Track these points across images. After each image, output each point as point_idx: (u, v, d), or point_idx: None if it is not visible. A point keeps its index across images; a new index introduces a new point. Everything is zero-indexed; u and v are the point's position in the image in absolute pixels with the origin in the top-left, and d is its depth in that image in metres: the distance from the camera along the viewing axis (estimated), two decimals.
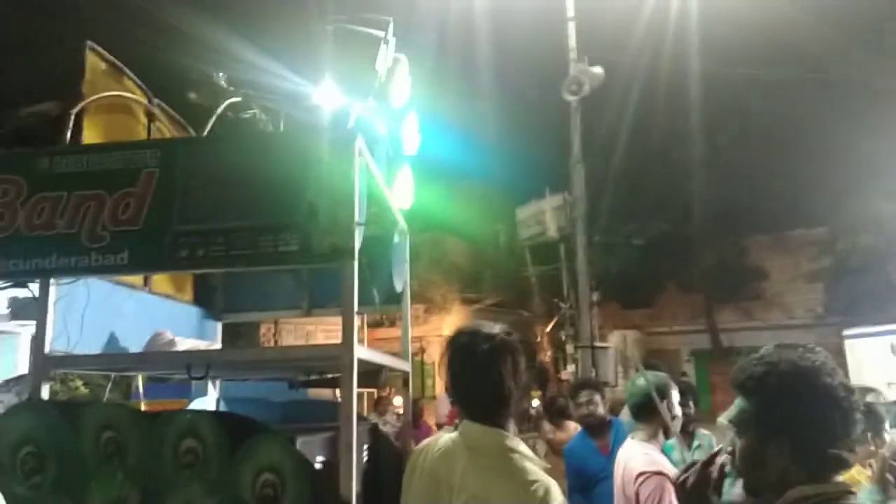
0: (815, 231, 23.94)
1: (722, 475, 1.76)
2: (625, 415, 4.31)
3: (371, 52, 2.95)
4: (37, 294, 2.56)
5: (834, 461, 1.56)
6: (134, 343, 3.13)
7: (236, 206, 2.43)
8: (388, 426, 9.18)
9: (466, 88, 23.21)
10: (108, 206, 2.47)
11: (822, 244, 23.67)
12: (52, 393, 2.61)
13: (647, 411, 3.30)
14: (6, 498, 2.34)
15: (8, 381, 3.67)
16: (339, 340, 2.33)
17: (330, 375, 3.65)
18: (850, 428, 1.57)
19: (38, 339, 2.54)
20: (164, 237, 2.42)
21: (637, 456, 3.19)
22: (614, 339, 19.62)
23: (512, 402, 2.06)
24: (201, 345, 3.44)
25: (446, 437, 2.16)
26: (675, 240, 24.68)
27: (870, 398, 4.28)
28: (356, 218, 2.35)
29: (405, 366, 3.37)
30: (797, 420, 1.57)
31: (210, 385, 3.86)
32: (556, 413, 6.78)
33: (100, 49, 3.02)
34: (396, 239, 3.24)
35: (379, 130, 3.23)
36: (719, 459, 1.75)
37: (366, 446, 2.89)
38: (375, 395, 11.63)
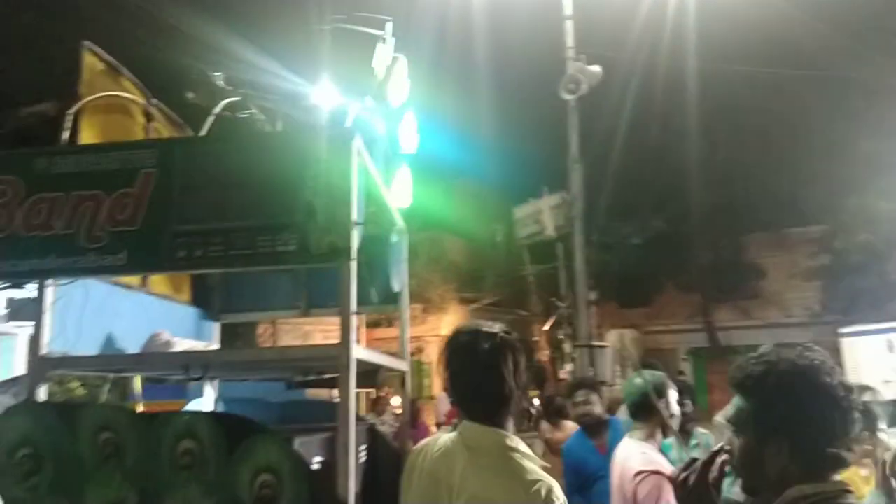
0: (813, 229, 23.93)
1: (722, 474, 1.76)
2: (622, 414, 4.32)
3: (369, 52, 2.95)
4: (34, 295, 2.56)
5: (833, 460, 1.57)
6: (131, 344, 3.12)
7: (234, 206, 2.42)
8: (386, 426, 9.17)
9: (464, 87, 23.18)
10: (105, 206, 2.46)
11: (820, 242, 23.66)
12: (50, 394, 2.60)
13: (644, 410, 3.30)
14: (3, 499, 2.34)
15: (5, 383, 3.68)
16: (337, 340, 2.33)
17: (328, 375, 3.65)
18: (849, 427, 1.57)
19: (35, 340, 2.54)
20: (162, 237, 2.42)
21: (635, 455, 3.20)
22: (612, 338, 19.63)
23: (513, 402, 2.06)
24: (199, 345, 3.43)
25: (445, 437, 2.15)
26: (672, 238, 24.68)
27: (866, 397, 4.29)
28: (354, 217, 2.34)
29: (403, 366, 3.37)
30: (796, 419, 1.57)
31: (208, 386, 3.86)
32: (553, 412, 6.79)
33: (97, 49, 3.01)
34: (394, 238, 3.24)
35: (377, 130, 3.23)
36: (719, 459, 1.76)
37: (364, 446, 2.89)
38: (373, 396, 11.62)
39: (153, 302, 3.53)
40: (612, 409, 5.56)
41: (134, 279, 3.33)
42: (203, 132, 3.22)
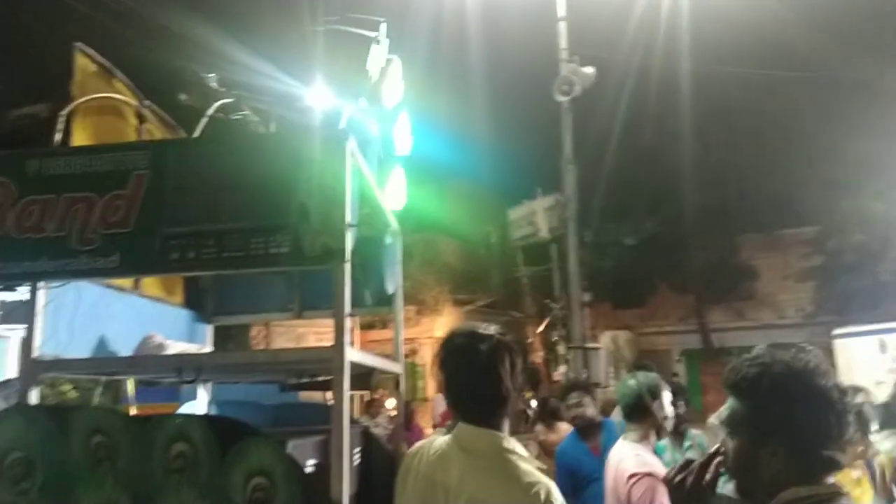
0: (807, 230, 24.03)
1: (717, 475, 1.76)
2: (616, 415, 4.32)
3: (363, 54, 2.94)
4: (26, 297, 2.55)
5: (827, 463, 1.57)
6: (124, 346, 3.11)
7: (227, 207, 2.41)
8: (380, 428, 9.16)
9: (458, 89, 23.21)
10: (97, 208, 2.45)
11: (814, 243, 23.75)
12: (42, 397, 2.59)
13: (638, 412, 3.30)
14: None
15: None
16: (330, 343, 2.32)
17: (321, 378, 3.64)
18: (843, 429, 1.57)
19: (27, 343, 2.52)
20: (155, 239, 2.40)
21: (629, 457, 3.20)
22: (605, 339, 19.67)
23: (509, 404, 2.05)
24: (192, 348, 3.42)
25: (440, 439, 2.15)
26: (666, 240, 24.74)
27: (859, 398, 4.30)
28: (348, 219, 2.34)
29: (397, 368, 3.37)
30: (791, 422, 1.58)
31: (201, 388, 3.84)
32: (548, 414, 6.78)
33: (89, 50, 3.00)
34: (388, 240, 3.23)
35: (371, 131, 3.22)
36: (715, 460, 1.75)
37: (357, 449, 2.89)
38: (367, 398, 11.61)
39: (146, 304, 3.52)
40: (605, 410, 5.57)
41: (126, 281, 3.32)
42: (196, 134, 3.20)
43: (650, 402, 3.16)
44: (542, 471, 1.99)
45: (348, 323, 2.37)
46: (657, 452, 3.44)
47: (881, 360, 14.14)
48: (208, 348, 3.93)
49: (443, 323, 22.01)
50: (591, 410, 4.70)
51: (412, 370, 21.88)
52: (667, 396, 3.46)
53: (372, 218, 3.17)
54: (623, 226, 24.78)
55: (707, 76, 21.05)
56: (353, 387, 2.50)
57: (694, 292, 26.05)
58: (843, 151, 19.88)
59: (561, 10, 14.86)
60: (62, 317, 2.67)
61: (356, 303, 2.61)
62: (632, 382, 3.32)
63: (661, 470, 2.99)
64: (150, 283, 3.56)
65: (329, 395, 2.97)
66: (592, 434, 4.65)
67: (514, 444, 2.03)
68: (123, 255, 2.42)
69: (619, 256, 24.85)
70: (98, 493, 2.25)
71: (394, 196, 3.50)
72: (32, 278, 2.50)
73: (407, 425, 8.45)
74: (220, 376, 3.81)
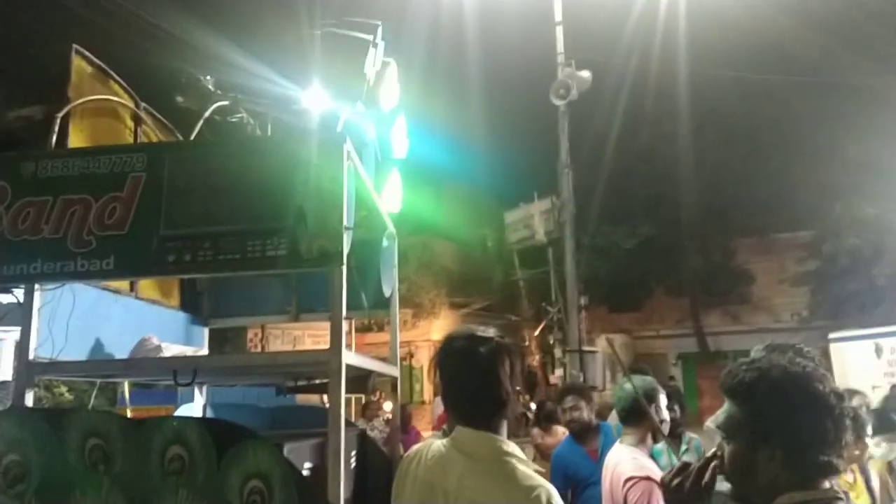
0: (802, 234, 24.11)
1: (713, 478, 1.76)
2: (613, 419, 4.32)
3: (359, 56, 2.94)
4: (21, 300, 2.54)
5: (824, 467, 1.57)
6: (120, 349, 3.10)
7: (224, 210, 2.41)
8: (377, 431, 9.15)
9: (455, 92, 23.25)
10: (93, 210, 2.44)
11: (809, 247, 23.83)
12: (37, 399, 2.58)
13: (635, 415, 3.30)
14: None
15: None
16: (327, 346, 2.32)
17: (318, 381, 3.64)
18: (841, 434, 1.57)
19: (22, 346, 2.52)
20: (151, 242, 2.40)
21: (625, 460, 3.20)
22: (602, 343, 19.70)
23: (509, 407, 2.05)
24: (188, 350, 3.42)
25: (438, 442, 2.14)
26: (662, 243, 24.81)
27: (855, 401, 4.32)
28: (345, 222, 2.33)
29: (394, 371, 3.36)
30: (788, 426, 1.57)
31: (197, 391, 3.84)
32: (544, 418, 6.79)
33: (86, 52, 2.99)
34: (385, 243, 3.23)
35: (368, 134, 3.22)
36: (712, 464, 1.75)
37: (354, 452, 2.88)
38: (363, 401, 11.60)
39: (142, 307, 3.51)
40: (602, 414, 5.57)
41: (122, 284, 3.31)
42: (193, 136, 3.20)
43: (646, 405, 3.16)
44: (541, 474, 1.99)
45: (345, 326, 2.36)
46: (654, 456, 3.44)
47: (876, 364, 14.18)
48: (204, 351, 3.92)
49: (439, 326, 22.03)
50: (586, 414, 4.70)
51: (409, 373, 21.88)
52: (663, 400, 3.47)
53: (369, 221, 3.16)
54: (619, 229, 24.85)
55: (703, 80, 21.14)
56: (350, 390, 2.50)
57: (690, 296, 26.12)
58: (838, 155, 19.96)
59: (558, 15, 14.90)
60: (58, 319, 2.66)
61: (352, 306, 2.60)
62: (628, 386, 3.32)
63: (658, 473, 2.99)
64: (146, 285, 3.56)
65: (325, 397, 2.96)
66: (589, 438, 4.65)
67: (513, 447, 2.03)
68: (119, 257, 2.41)
69: (615, 260, 24.90)
70: (94, 496, 2.24)
71: (390, 199, 3.50)
72: (28, 280, 2.49)
73: (404, 428, 8.44)
74: (217, 379, 3.81)
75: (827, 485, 1.59)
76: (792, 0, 17.52)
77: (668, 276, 26.02)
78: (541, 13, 15.29)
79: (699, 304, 26.09)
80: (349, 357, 2.37)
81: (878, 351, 14.30)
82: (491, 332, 2.12)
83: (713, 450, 1.77)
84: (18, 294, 2.57)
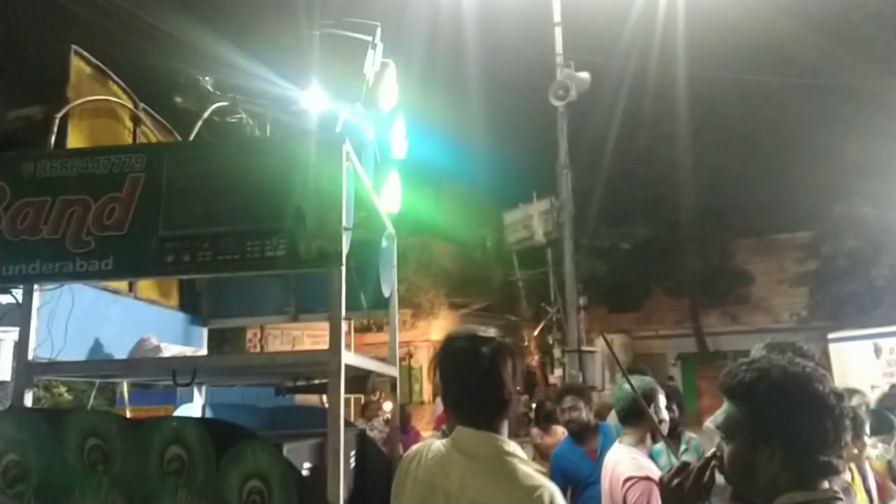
0: (800, 235, 24.14)
1: (713, 479, 1.76)
2: (612, 419, 4.32)
3: (358, 57, 2.94)
4: (20, 300, 2.54)
5: (824, 467, 1.56)
6: (119, 349, 3.10)
7: (223, 210, 2.41)
8: (376, 432, 9.15)
9: (454, 93, 23.25)
10: (92, 211, 2.44)
11: (807, 248, 23.86)
12: (36, 400, 2.58)
13: (634, 416, 3.31)
14: None
15: None
16: (326, 346, 2.32)
17: (317, 381, 3.64)
18: (841, 434, 1.57)
19: (21, 346, 2.52)
20: (150, 242, 2.40)
21: (625, 461, 3.20)
22: (601, 343, 19.71)
23: (511, 406, 2.05)
24: (187, 351, 3.42)
25: (438, 443, 2.14)
26: (661, 244, 24.83)
27: (855, 400, 4.31)
28: (344, 222, 2.34)
29: (393, 371, 3.36)
30: (788, 426, 1.57)
31: (196, 391, 3.84)
32: (543, 418, 6.79)
33: (85, 53, 2.99)
34: (384, 243, 3.23)
35: (367, 135, 3.22)
36: (711, 464, 1.75)
37: (353, 452, 2.88)
38: (363, 401, 11.60)
39: (141, 307, 3.51)
40: (601, 414, 5.57)
41: (122, 284, 3.31)
42: (191, 137, 3.20)
43: (645, 406, 3.16)
44: (541, 474, 1.99)
45: (344, 326, 2.36)
46: (653, 456, 3.44)
47: (876, 364, 14.20)
48: (204, 351, 3.92)
49: (438, 326, 22.03)
50: (584, 415, 4.70)
51: (408, 373, 21.88)
52: (662, 400, 3.47)
53: (368, 221, 3.17)
54: (618, 230, 24.86)
55: (702, 81, 21.16)
56: (349, 390, 2.50)
57: (689, 296, 26.13)
58: (837, 156, 19.98)
59: (557, 16, 14.90)
60: (57, 319, 2.66)
61: (352, 306, 2.60)
62: (627, 386, 3.33)
63: (657, 473, 2.99)
64: (145, 285, 3.56)
65: (325, 397, 2.96)
66: (588, 438, 4.65)
67: (514, 447, 2.02)
68: (118, 257, 2.41)
69: (614, 260, 24.92)
70: (93, 496, 2.24)
71: (389, 199, 3.50)
72: (27, 280, 2.49)
73: (403, 428, 8.44)
74: (216, 379, 3.81)
75: (827, 485, 1.59)
76: (791, 2, 17.54)
77: (667, 276, 26.04)
78: (540, 14, 15.30)
79: (698, 304, 26.10)
80: (348, 357, 2.37)
81: (878, 351, 14.32)
82: (492, 332, 2.12)
83: (712, 450, 1.77)
84: (17, 294, 2.57)
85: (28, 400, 2.50)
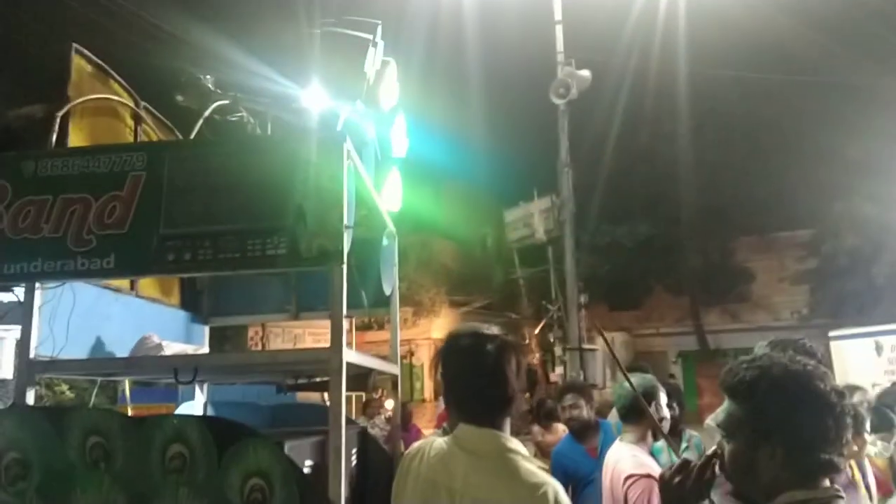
0: (801, 233, 24.13)
1: (712, 477, 1.76)
2: (613, 417, 4.32)
3: (359, 55, 2.94)
4: (22, 298, 2.54)
5: (825, 466, 1.57)
6: (121, 347, 3.10)
7: (224, 209, 2.41)
8: (377, 429, 9.15)
9: (455, 91, 23.25)
10: (94, 209, 2.45)
11: (808, 246, 23.85)
12: (38, 398, 2.58)
13: (634, 413, 3.31)
14: None
15: None
16: (327, 344, 2.32)
17: (318, 379, 3.64)
18: (842, 432, 1.57)
19: (23, 344, 2.52)
20: (151, 241, 2.40)
21: (625, 458, 3.20)
22: (601, 341, 19.72)
23: (515, 404, 2.05)
24: (189, 349, 3.42)
25: (440, 440, 2.14)
26: (662, 242, 24.81)
27: (856, 397, 4.31)
28: (345, 221, 2.34)
29: (394, 369, 3.37)
30: (789, 425, 1.57)
31: (197, 389, 3.84)
32: (544, 415, 6.79)
33: (86, 51, 2.99)
34: (385, 242, 3.23)
35: (367, 133, 3.22)
36: (714, 462, 1.75)
37: (354, 450, 2.88)
38: (364, 399, 11.60)
39: (142, 305, 3.51)
40: (602, 412, 5.57)
41: (123, 282, 3.31)
42: (192, 135, 3.20)
43: (646, 404, 3.16)
44: (544, 471, 1.99)
45: (345, 324, 2.36)
46: (654, 454, 3.45)
47: (877, 361, 14.19)
48: (205, 349, 3.92)
49: (440, 324, 22.03)
50: (585, 412, 4.70)
51: (409, 371, 21.88)
52: (663, 398, 3.47)
53: (369, 219, 3.17)
54: (619, 228, 24.85)
55: (702, 79, 21.13)
56: (351, 388, 2.50)
57: (690, 294, 26.12)
58: (838, 155, 19.96)
59: (557, 14, 14.89)
60: (59, 317, 2.66)
61: (353, 304, 2.61)
62: (628, 384, 3.33)
63: (658, 472, 2.99)
64: (146, 283, 3.56)
65: (326, 395, 2.97)
66: (588, 435, 4.66)
67: (516, 443, 2.03)
68: (119, 256, 2.42)
69: (615, 258, 24.91)
70: (95, 493, 2.24)
71: (390, 198, 3.50)
72: (29, 279, 2.50)
73: (404, 426, 8.44)
74: (218, 377, 3.81)
75: (827, 483, 1.59)
76: None
77: (667, 274, 26.02)
78: (540, 12, 15.28)
79: (699, 302, 26.09)
80: (350, 355, 2.38)
81: (879, 349, 14.31)
82: (495, 329, 2.12)
83: (713, 448, 1.77)
84: (19, 292, 2.57)
85: (30, 398, 2.51)
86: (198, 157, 2.57)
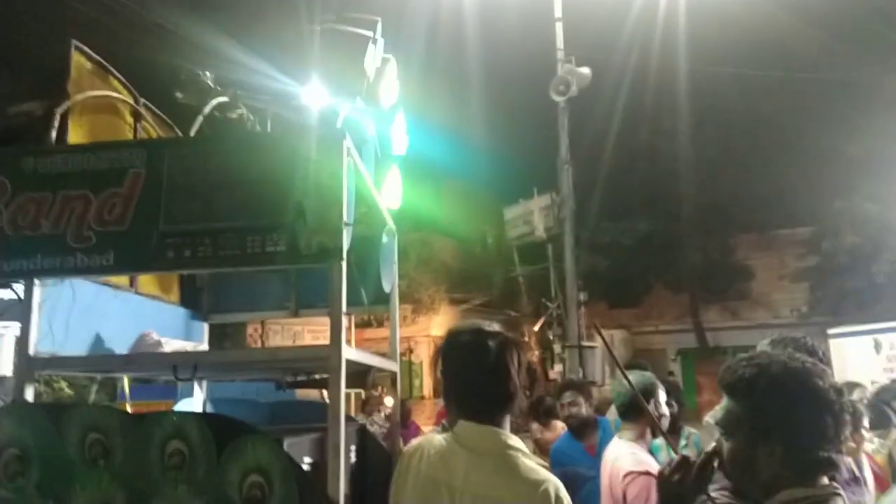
0: (801, 231, 24.14)
1: (712, 471, 1.76)
2: (612, 414, 4.33)
3: (359, 53, 2.94)
4: (21, 295, 2.54)
5: (824, 463, 1.57)
6: (120, 344, 3.10)
7: (223, 206, 2.41)
8: (377, 426, 9.16)
9: (454, 89, 23.23)
10: (93, 206, 2.45)
11: (808, 244, 23.85)
12: (37, 394, 2.58)
13: (633, 411, 3.31)
14: None
15: None
16: (326, 341, 2.32)
17: (318, 376, 3.64)
18: (841, 430, 1.57)
19: (22, 341, 2.52)
20: (151, 238, 2.40)
21: (624, 456, 3.21)
22: (600, 339, 19.72)
23: (515, 400, 2.05)
24: (188, 346, 3.42)
25: (439, 437, 2.14)
26: (661, 239, 24.81)
27: (856, 394, 4.33)
28: (344, 218, 2.34)
29: (393, 366, 3.36)
30: (787, 422, 1.58)
31: (197, 386, 3.84)
32: (543, 413, 6.79)
33: (85, 48, 2.99)
34: (385, 239, 3.23)
35: (367, 131, 3.22)
36: (713, 460, 1.76)
37: (353, 447, 2.88)
38: (363, 396, 11.61)
39: (142, 302, 3.51)
40: (601, 409, 5.58)
41: (122, 279, 3.31)
42: (192, 132, 3.20)
43: (645, 401, 3.16)
44: (545, 468, 1.99)
45: (344, 321, 2.36)
46: (652, 451, 3.45)
47: (876, 359, 14.21)
48: (204, 346, 3.92)
49: (439, 322, 22.04)
50: (584, 410, 4.71)
51: (408, 368, 21.89)
52: (662, 396, 3.47)
53: (368, 217, 3.17)
54: (619, 225, 24.85)
55: (703, 77, 21.12)
56: (350, 385, 2.50)
57: (689, 292, 26.13)
58: (838, 153, 19.96)
59: (558, 11, 14.87)
60: (58, 314, 2.66)
61: (352, 301, 2.60)
62: (626, 381, 3.34)
63: (657, 469, 2.99)
64: (146, 280, 3.56)
65: (325, 393, 2.96)
66: (587, 433, 4.66)
67: (516, 440, 2.02)
68: (119, 252, 2.42)
69: (614, 256, 24.92)
70: (94, 490, 2.25)
71: (390, 195, 3.50)
72: (28, 275, 2.49)
73: (404, 423, 8.46)
74: (217, 374, 3.81)
75: (826, 480, 1.59)
76: None
77: (667, 271, 26.03)
78: (540, 9, 15.26)
79: (698, 299, 26.10)
80: (349, 352, 2.38)
81: (878, 346, 14.33)
82: (497, 326, 2.12)
83: (713, 445, 1.77)
84: (18, 289, 2.57)
85: (29, 395, 2.51)
86: (197, 154, 2.57)
